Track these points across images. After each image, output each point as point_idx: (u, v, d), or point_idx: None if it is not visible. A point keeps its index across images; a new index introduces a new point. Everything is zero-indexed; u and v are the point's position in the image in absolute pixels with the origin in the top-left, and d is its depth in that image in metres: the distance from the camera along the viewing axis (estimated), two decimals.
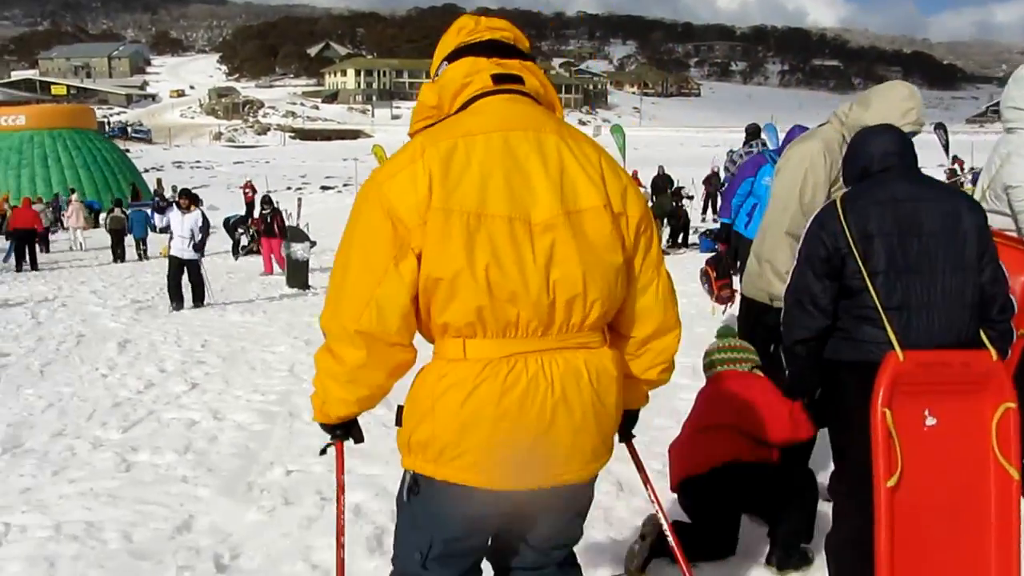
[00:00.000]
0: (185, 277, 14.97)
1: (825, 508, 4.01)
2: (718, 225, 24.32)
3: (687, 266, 16.41)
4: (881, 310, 3.21)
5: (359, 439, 2.68)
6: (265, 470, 5.87)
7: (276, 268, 19.29)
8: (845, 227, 3.28)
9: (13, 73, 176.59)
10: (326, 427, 2.61)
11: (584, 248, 2.22)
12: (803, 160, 4.42)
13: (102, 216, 37.42)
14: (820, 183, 4.35)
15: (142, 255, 25.61)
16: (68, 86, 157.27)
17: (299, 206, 26.65)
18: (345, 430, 2.63)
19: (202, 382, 8.95)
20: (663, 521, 3.08)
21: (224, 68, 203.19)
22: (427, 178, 2.18)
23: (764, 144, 13.50)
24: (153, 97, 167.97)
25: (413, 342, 2.33)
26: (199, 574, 4.31)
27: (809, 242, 3.42)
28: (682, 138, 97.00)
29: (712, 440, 4.07)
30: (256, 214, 24.65)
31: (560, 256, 2.20)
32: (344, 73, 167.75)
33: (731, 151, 13.80)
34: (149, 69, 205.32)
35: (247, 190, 36.41)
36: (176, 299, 14.75)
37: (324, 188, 49.93)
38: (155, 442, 6.73)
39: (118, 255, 25.39)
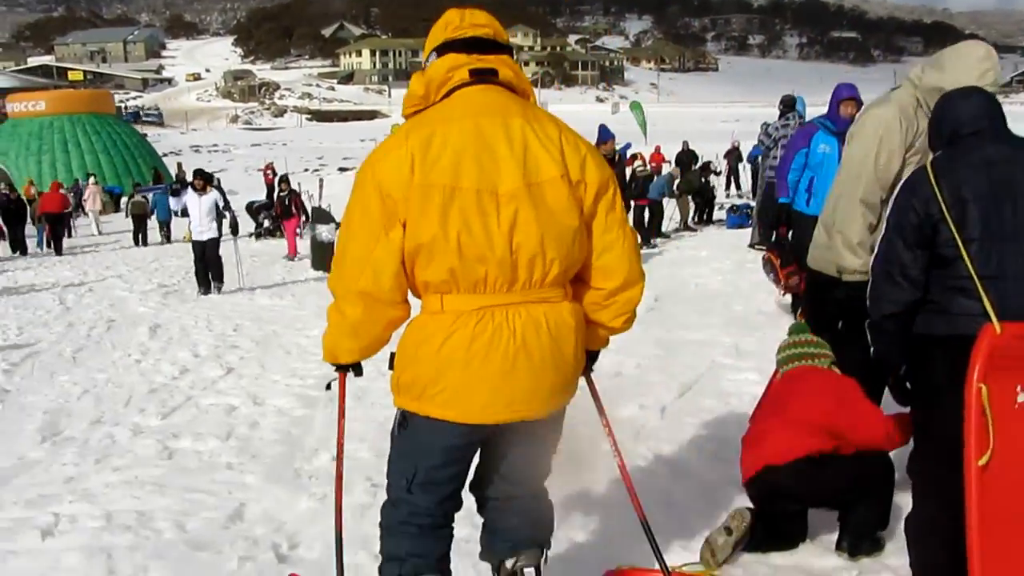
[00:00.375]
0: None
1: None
2: (742, 201, 24.16)
3: (712, 241, 16.30)
4: (976, 279, 3.07)
5: (359, 373, 3.15)
6: (311, 456, 5.79)
7: (300, 250, 19.19)
8: (937, 192, 3.14)
9: (29, 59, 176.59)
10: (338, 367, 3.10)
11: (544, 214, 2.62)
12: (878, 126, 4.26)
13: (123, 200, 37.54)
14: (895, 149, 4.20)
15: (165, 238, 25.79)
16: (84, 71, 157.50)
17: (320, 187, 26.47)
18: (351, 367, 3.11)
19: (237, 367, 8.89)
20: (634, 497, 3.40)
21: (239, 50, 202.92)
22: (410, 160, 2.60)
23: (800, 116, 13.30)
24: (169, 81, 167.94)
25: (407, 300, 2.79)
26: (261, 565, 4.25)
27: (899, 210, 3.27)
28: (702, 114, 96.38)
29: (793, 433, 3.93)
30: (276, 196, 24.57)
31: (522, 222, 2.59)
32: (359, 54, 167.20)
33: (766, 124, 13.61)
34: (164, 53, 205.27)
35: (267, 172, 36.35)
36: (204, 284, 14.58)
37: (342, 169, 49.74)
38: (196, 428, 6.68)
39: (140, 239, 25.43)
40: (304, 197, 25.80)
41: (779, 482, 3.91)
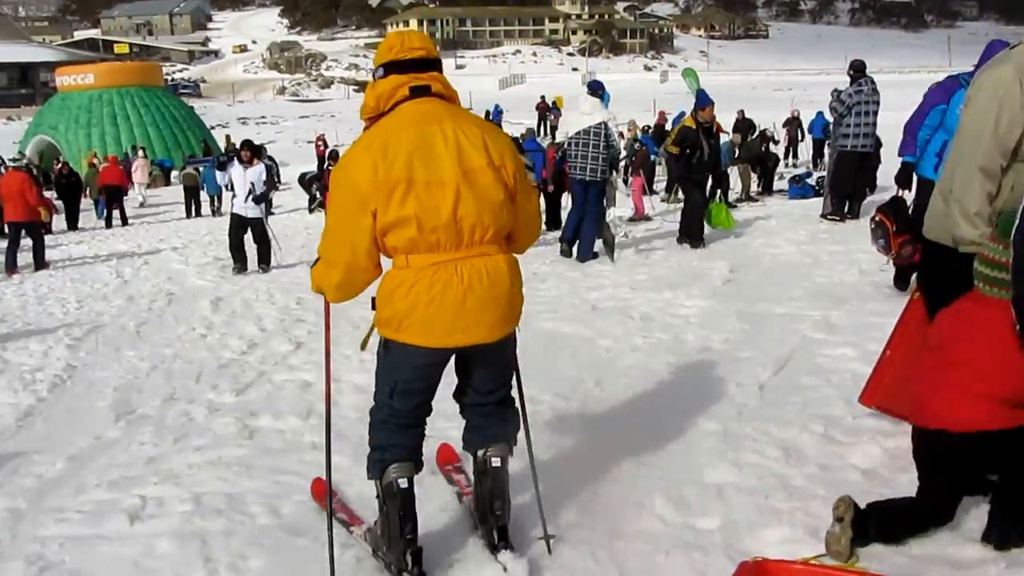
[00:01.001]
0: (249, 237, 14.02)
1: None
2: (803, 170, 23.64)
3: (779, 211, 15.88)
4: None
5: None
6: None
7: None
8: None
9: (76, 33, 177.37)
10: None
11: (477, 193, 3.47)
12: (996, 87, 3.92)
13: (174, 173, 37.70)
14: (1017, 112, 3.87)
15: (216, 211, 25.82)
16: (130, 44, 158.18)
17: None
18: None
19: (306, 341, 8.74)
20: None
21: (286, 21, 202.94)
22: (373, 164, 3.39)
23: (872, 82, 12.87)
24: (216, 53, 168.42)
25: (379, 265, 3.59)
26: (363, 552, 4.09)
27: None
28: (753, 81, 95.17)
29: (982, 405, 3.55)
30: (324, 169, 24.36)
31: (462, 200, 3.43)
32: (407, 23, 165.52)
33: (837, 91, 13.17)
34: (210, 25, 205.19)
35: (319, 143, 36.29)
36: (239, 260, 13.93)
37: None
38: (273, 406, 6.53)
39: (193, 211, 25.48)
40: None
41: (952, 455, 3.59)
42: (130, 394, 7.22)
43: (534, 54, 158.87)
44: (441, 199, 3.41)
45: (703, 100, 12.22)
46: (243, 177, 13.83)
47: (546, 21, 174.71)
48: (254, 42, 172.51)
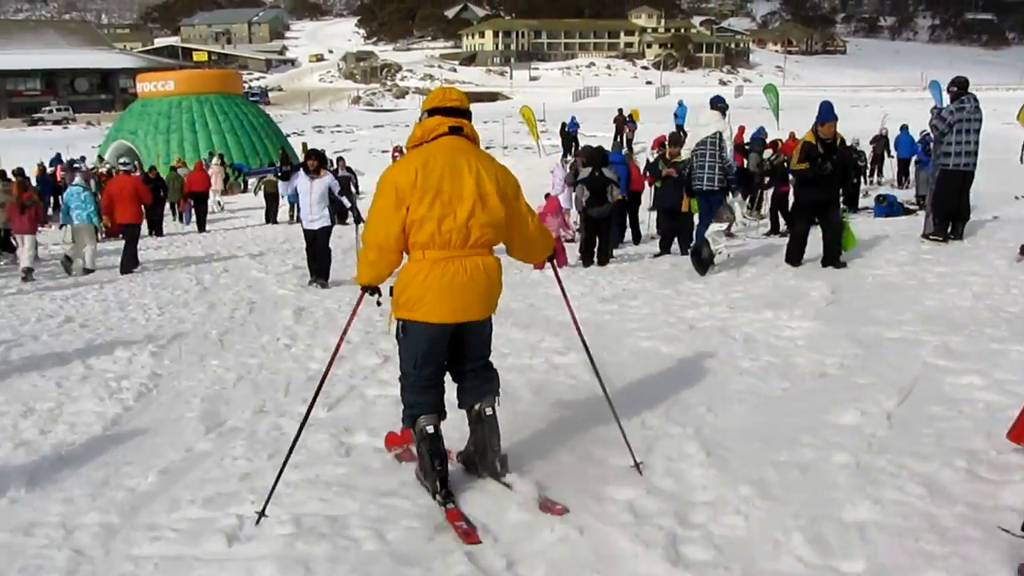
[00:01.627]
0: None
1: None
2: (889, 189, 23.00)
3: (871, 230, 15.32)
4: None
5: (373, 293, 4.80)
6: (507, 458, 5.33)
7: None
8: None
9: (156, 40, 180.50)
10: (363, 288, 4.80)
11: (487, 210, 4.50)
12: None
13: (251, 180, 37.99)
14: None
15: (294, 219, 25.68)
16: (209, 52, 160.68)
17: None
18: (371, 290, 4.79)
19: (393, 355, 8.47)
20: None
21: (362, 31, 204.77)
22: (415, 171, 4.44)
23: (975, 99, 12.37)
24: (292, 62, 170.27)
25: (403, 252, 4.58)
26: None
27: None
28: (830, 97, 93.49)
29: None
30: None
31: (476, 213, 4.46)
32: (482, 35, 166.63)
33: (938, 107, 12.70)
34: (288, 34, 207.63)
35: (395, 153, 36.22)
36: (316, 273, 13.44)
37: None
38: (368, 422, 6.30)
39: (271, 218, 25.59)
40: None
41: None
42: (218, 405, 7.07)
43: (608, 67, 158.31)
44: (460, 208, 4.47)
45: (825, 115, 11.37)
46: (309, 188, 13.15)
47: (622, 34, 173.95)
48: (330, 51, 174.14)
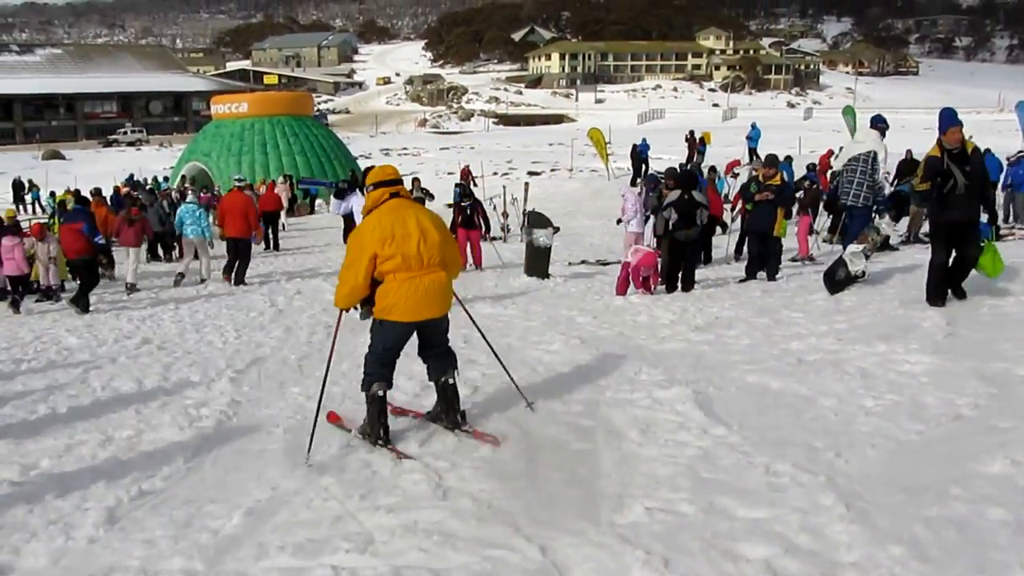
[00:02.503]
0: None
1: None
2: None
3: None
4: None
5: (348, 310, 6.73)
6: (619, 507, 4.89)
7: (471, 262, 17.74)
8: None
9: (228, 64, 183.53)
10: (341, 310, 6.76)
11: (428, 241, 6.27)
12: None
13: (319, 201, 38.00)
14: None
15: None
16: (279, 75, 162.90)
17: (526, 190, 25.96)
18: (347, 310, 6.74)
19: (481, 384, 8.13)
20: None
21: (429, 55, 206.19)
22: (374, 230, 6.23)
23: None
24: (360, 85, 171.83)
25: (370, 285, 6.27)
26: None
27: None
28: (902, 120, 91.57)
29: None
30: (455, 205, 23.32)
31: (422, 244, 6.23)
32: (548, 57, 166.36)
33: None
34: (356, 57, 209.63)
35: (464, 178, 36.02)
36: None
37: (532, 173, 49.29)
38: (461, 460, 5.91)
39: (345, 239, 25.40)
40: (508, 200, 25.28)
41: None
42: (302, 437, 6.71)
43: (674, 89, 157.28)
44: (411, 244, 6.22)
45: (948, 120, 9.88)
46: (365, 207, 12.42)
47: (689, 56, 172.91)
48: (397, 74, 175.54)
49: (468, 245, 17.69)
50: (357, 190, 12.39)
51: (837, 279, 11.36)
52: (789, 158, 27.70)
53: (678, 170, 17.44)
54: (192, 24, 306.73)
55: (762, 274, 14.00)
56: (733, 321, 10.40)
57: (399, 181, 6.61)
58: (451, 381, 6.72)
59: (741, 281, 14.04)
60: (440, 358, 6.69)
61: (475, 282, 15.69)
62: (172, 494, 5.71)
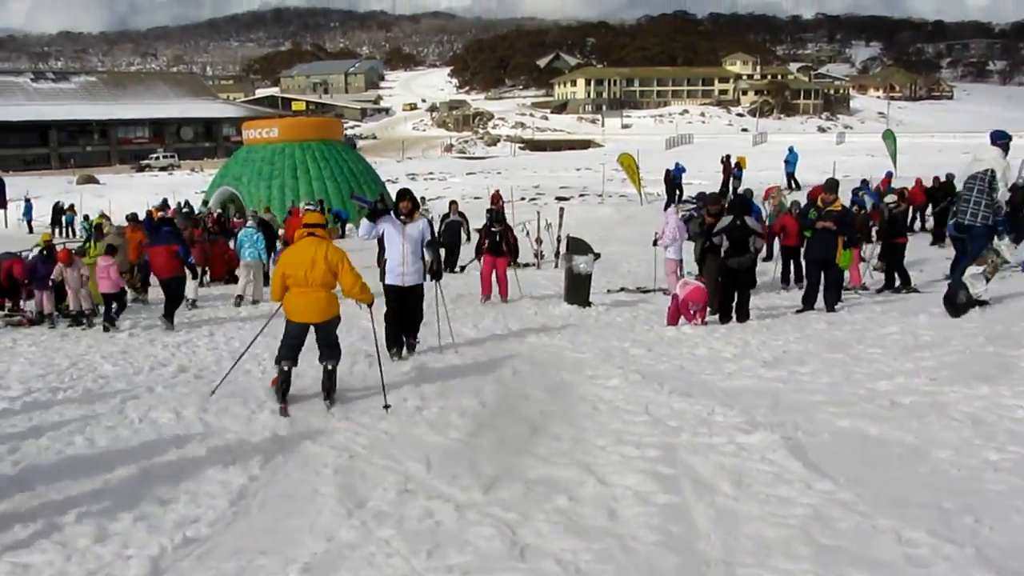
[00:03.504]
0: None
1: None
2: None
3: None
4: None
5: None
6: (722, 573, 4.30)
7: (496, 292, 16.73)
8: None
9: (257, 91, 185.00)
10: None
11: (316, 272, 8.73)
12: None
13: (348, 226, 37.63)
14: None
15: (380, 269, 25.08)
16: (307, 102, 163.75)
17: (560, 215, 25.43)
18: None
19: (541, 424, 7.54)
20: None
21: (455, 81, 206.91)
22: (288, 257, 9.12)
23: None
24: (387, 111, 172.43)
25: (283, 295, 9.01)
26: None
27: None
28: (938, 144, 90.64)
29: None
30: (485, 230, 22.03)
31: (314, 271, 8.73)
32: (574, 83, 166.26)
33: None
34: (383, 84, 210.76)
35: (494, 203, 35.47)
36: (397, 342, 11.26)
37: (560, 199, 48.93)
38: (532, 511, 5.37)
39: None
40: (543, 226, 24.72)
41: None
42: (354, 479, 6.21)
43: (702, 114, 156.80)
44: (301, 270, 8.61)
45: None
46: (401, 235, 10.99)
47: (716, 81, 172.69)
48: (423, 100, 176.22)
49: (494, 274, 16.74)
50: (391, 214, 11.18)
51: (958, 302, 10.95)
52: (866, 181, 26.83)
53: (709, 194, 16.97)
54: (222, 52, 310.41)
55: (820, 304, 13.47)
56: (804, 356, 9.79)
57: (319, 225, 9.14)
58: (329, 367, 8.87)
59: (798, 312, 13.52)
60: (326, 351, 8.86)
61: (513, 310, 15.16)
62: (219, 542, 5.24)
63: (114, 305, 15.05)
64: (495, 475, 6.11)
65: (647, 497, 5.51)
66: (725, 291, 13.04)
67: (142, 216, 25.40)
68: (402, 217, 11.06)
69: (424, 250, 11.34)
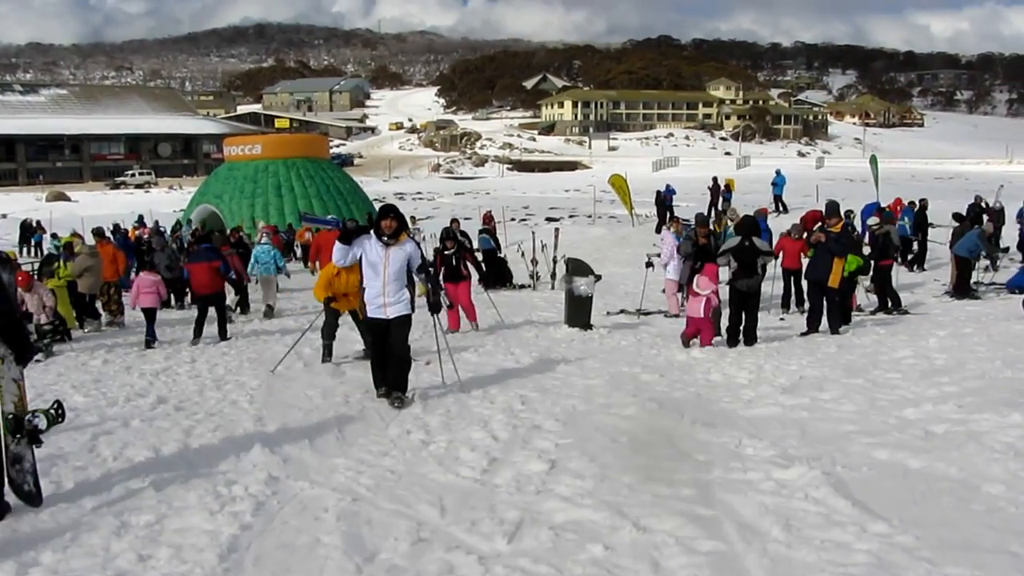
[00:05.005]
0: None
1: None
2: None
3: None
4: None
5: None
6: None
7: (465, 322, 15.35)
8: None
9: (239, 108, 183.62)
10: None
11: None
12: None
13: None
14: None
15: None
16: (291, 119, 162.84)
17: (556, 236, 24.90)
18: None
19: (561, 460, 6.95)
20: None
21: (442, 101, 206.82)
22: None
23: None
24: (372, 130, 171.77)
25: None
26: None
27: None
28: (912, 170, 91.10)
29: None
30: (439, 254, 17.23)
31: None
32: (561, 105, 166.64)
33: None
34: (368, 102, 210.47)
35: (486, 223, 34.97)
36: (384, 382, 9.61)
37: (549, 219, 48.54)
38: (565, 564, 4.79)
39: None
40: (538, 247, 24.15)
41: None
42: (359, 527, 5.61)
43: (687, 137, 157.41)
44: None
45: None
46: (383, 260, 9.21)
47: (700, 105, 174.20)
48: (410, 120, 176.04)
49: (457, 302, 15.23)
50: (372, 233, 9.38)
51: None
52: (913, 204, 26.30)
53: (698, 215, 16.73)
54: (202, 67, 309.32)
55: (825, 326, 13.18)
56: (822, 382, 9.33)
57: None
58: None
59: (803, 334, 13.18)
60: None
61: (514, 334, 14.59)
62: None
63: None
64: (518, 520, 5.52)
65: (690, 544, 4.94)
66: (734, 313, 12.62)
67: (120, 230, 24.93)
68: (385, 238, 9.21)
69: (416, 277, 10.01)
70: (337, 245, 9.24)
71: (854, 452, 6.63)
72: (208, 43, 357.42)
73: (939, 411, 7.70)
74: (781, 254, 16.05)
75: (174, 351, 13.93)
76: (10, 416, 6.04)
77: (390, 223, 9.19)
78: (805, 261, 14.51)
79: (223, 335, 15.13)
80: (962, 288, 17.52)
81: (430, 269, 10.29)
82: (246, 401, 9.82)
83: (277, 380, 11.06)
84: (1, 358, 6.00)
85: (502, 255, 25.07)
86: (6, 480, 5.95)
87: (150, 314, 15.00)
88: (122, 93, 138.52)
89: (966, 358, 9.91)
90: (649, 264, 17.07)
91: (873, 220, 17.38)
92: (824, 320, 13.29)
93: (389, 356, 9.40)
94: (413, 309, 9.63)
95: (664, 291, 17.24)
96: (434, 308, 10.22)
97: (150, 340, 14.58)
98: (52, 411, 6.37)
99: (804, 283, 14.71)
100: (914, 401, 8.14)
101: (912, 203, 26.71)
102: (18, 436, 6.08)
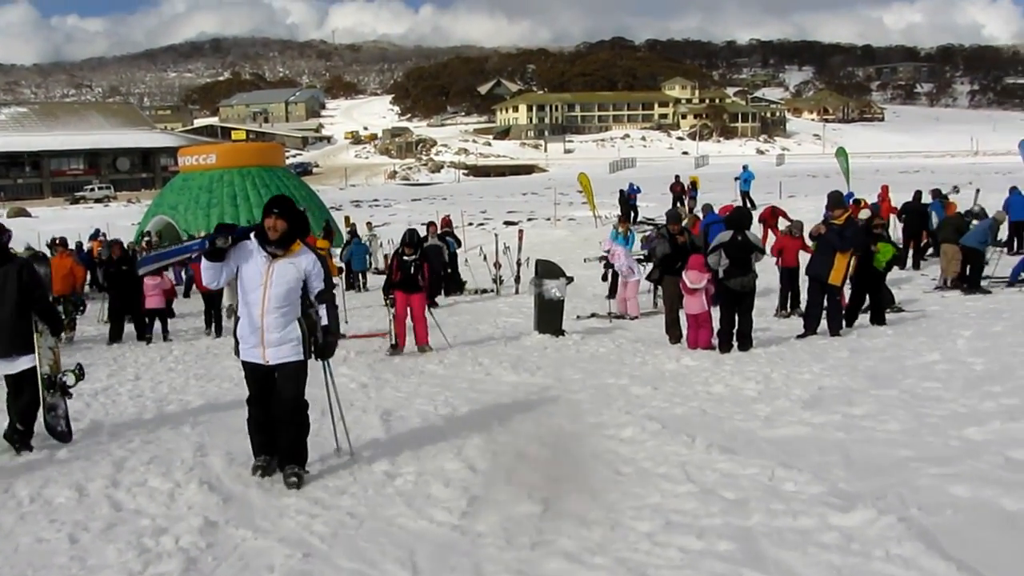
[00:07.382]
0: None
1: None
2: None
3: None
4: None
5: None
6: None
7: (411, 344, 13.14)
8: None
9: (196, 121, 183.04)
10: None
11: None
12: None
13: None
14: None
15: (361, 287, 25.12)
16: (247, 131, 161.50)
17: (520, 238, 23.79)
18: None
19: (556, 498, 5.79)
20: None
21: (397, 109, 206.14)
22: None
23: None
24: (328, 139, 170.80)
25: None
26: None
27: None
28: (876, 164, 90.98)
29: None
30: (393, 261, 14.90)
31: None
32: (516, 109, 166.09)
33: None
34: (324, 112, 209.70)
35: (445, 227, 33.90)
36: (264, 448, 6.85)
37: (508, 223, 47.66)
38: None
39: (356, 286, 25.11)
40: (500, 249, 23.11)
41: None
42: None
43: (643, 138, 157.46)
44: None
45: None
46: (263, 278, 6.39)
47: (656, 106, 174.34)
48: (365, 128, 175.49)
49: (409, 316, 13.12)
50: (252, 238, 6.45)
51: None
52: (938, 191, 25.07)
53: (669, 211, 15.87)
54: (160, 82, 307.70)
55: (823, 327, 12.38)
56: (848, 393, 8.20)
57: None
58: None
59: (800, 336, 12.17)
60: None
61: (480, 343, 13.43)
62: None
63: (157, 321, 16.19)
64: None
65: None
66: (727, 316, 11.56)
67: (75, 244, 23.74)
68: (269, 248, 6.35)
69: (316, 303, 6.63)
70: (204, 263, 6.47)
71: (924, 487, 5.41)
72: (165, 59, 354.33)
73: (1010, 431, 6.54)
74: (780, 254, 15.20)
75: (119, 367, 12.59)
76: (47, 375, 7.85)
77: (276, 223, 6.25)
78: (805, 261, 13.59)
79: (217, 328, 16.11)
80: (973, 282, 16.47)
81: (335, 293, 6.95)
82: (188, 426, 8.51)
83: (224, 399, 9.78)
84: (40, 332, 7.81)
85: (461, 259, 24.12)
86: (44, 424, 7.80)
87: (155, 314, 16.11)
88: (81, 110, 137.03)
89: (1012, 363, 8.85)
90: (604, 277, 17.19)
91: (864, 213, 16.70)
92: (823, 321, 12.34)
93: (275, 417, 6.64)
94: (308, 353, 6.59)
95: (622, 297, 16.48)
96: (324, 352, 6.75)
97: (150, 337, 15.86)
98: (76, 371, 8.13)
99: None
100: (972, 417, 6.99)
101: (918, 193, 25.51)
102: (52, 390, 7.91)
